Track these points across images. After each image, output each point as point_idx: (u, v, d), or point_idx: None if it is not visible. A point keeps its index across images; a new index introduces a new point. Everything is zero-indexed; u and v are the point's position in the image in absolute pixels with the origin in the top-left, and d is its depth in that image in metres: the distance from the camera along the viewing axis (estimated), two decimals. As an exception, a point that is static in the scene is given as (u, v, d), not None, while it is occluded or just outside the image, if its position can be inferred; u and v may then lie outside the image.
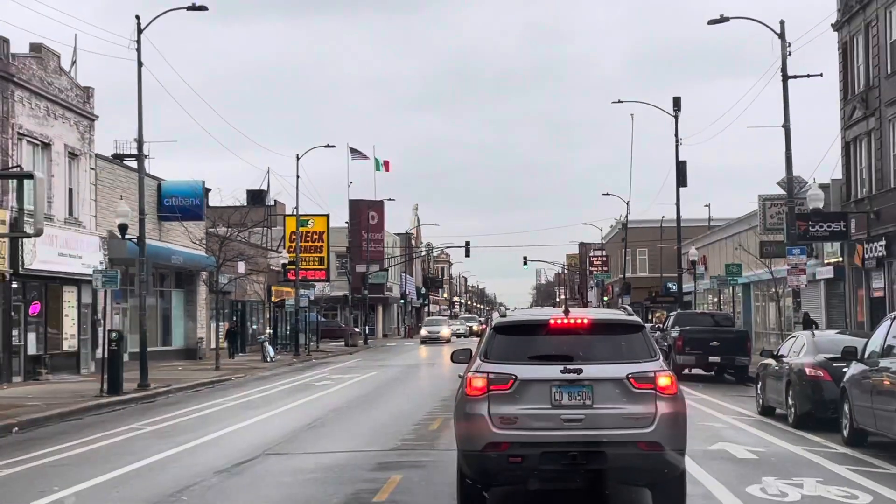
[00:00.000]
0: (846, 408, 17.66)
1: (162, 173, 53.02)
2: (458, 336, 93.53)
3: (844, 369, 18.42)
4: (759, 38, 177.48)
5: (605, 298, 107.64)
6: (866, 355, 17.34)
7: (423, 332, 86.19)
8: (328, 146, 66.62)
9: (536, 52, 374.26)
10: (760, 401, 23.33)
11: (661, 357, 11.52)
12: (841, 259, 42.64)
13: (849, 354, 18.15)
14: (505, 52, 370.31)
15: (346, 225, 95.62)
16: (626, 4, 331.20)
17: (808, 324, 37.03)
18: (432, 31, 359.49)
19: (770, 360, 22.82)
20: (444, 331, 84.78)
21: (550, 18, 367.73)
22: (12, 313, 35.11)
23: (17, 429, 21.79)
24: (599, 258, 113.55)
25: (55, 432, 21.35)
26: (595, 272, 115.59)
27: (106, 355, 30.24)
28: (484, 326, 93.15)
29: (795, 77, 35.40)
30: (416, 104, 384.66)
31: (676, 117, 53.52)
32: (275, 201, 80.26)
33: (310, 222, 76.05)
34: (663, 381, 10.96)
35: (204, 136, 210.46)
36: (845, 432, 17.72)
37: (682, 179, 52.99)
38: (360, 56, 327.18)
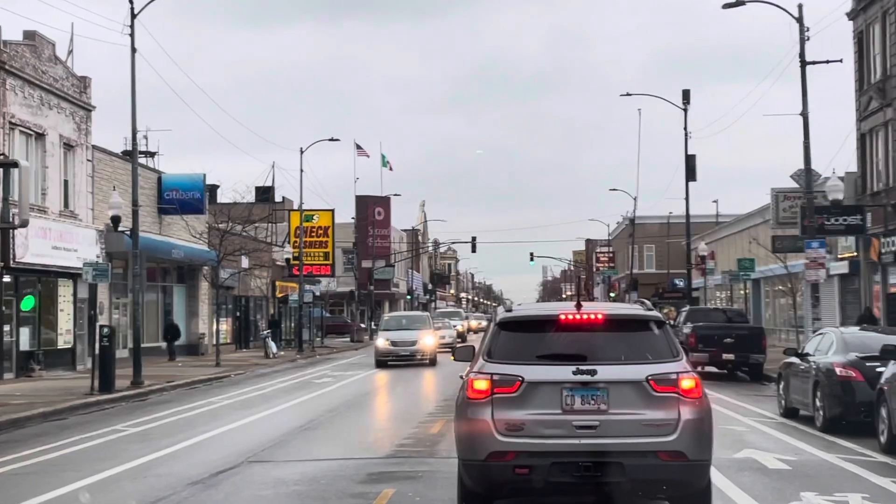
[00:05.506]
0: (884, 412, 16.32)
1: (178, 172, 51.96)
2: (447, 346, 47.44)
3: (878, 369, 17.21)
4: (774, 40, 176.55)
5: (612, 294, 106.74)
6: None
7: (381, 342, 43.74)
8: (332, 139, 66.00)
9: (558, 57, 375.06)
10: (783, 402, 22.06)
11: (685, 357, 10.36)
12: (856, 253, 41.61)
13: (888, 353, 16.92)
14: (528, 57, 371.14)
15: (353, 220, 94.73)
16: (647, 10, 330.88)
17: (868, 320, 35.24)
18: (459, 36, 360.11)
19: (794, 359, 21.53)
20: (426, 340, 43.68)
21: (573, 24, 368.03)
22: (4, 308, 34.32)
23: None
24: (606, 254, 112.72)
25: (33, 434, 20.36)
26: (601, 268, 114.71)
27: (97, 351, 29.20)
28: (466, 323, 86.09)
29: (814, 63, 34.32)
30: (438, 106, 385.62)
31: (685, 110, 52.69)
32: (283, 198, 79.52)
33: (315, 217, 75.27)
34: (687, 383, 10.02)
35: (228, 137, 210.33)
36: (883, 438, 16.37)
37: (691, 173, 52.32)
38: (387, 60, 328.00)
